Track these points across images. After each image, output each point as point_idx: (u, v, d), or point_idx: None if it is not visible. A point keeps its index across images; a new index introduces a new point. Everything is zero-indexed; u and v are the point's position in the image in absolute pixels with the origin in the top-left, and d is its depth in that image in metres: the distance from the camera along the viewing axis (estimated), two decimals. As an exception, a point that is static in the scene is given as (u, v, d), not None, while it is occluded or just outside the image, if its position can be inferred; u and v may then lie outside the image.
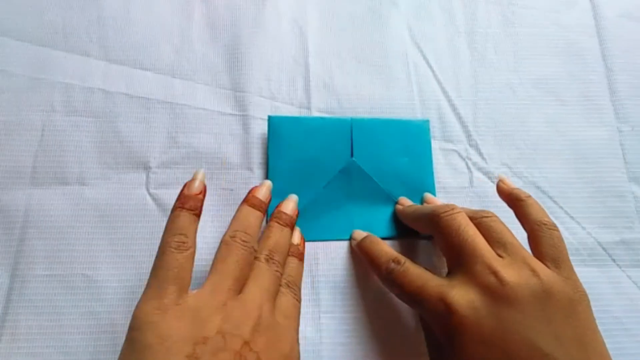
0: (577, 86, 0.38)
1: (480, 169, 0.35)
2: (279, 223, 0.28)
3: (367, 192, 0.33)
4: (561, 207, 0.34)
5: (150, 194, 0.33)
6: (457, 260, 0.25)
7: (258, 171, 0.34)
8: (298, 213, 0.30)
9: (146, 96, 0.35)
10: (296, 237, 0.30)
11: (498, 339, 0.22)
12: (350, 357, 0.29)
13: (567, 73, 0.38)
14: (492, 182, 0.35)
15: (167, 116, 0.35)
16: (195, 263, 0.24)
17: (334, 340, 0.30)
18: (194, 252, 0.24)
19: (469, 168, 0.35)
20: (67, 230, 0.31)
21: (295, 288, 0.27)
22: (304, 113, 0.35)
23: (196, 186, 0.26)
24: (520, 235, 0.27)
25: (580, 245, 0.33)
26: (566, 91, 0.38)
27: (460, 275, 0.25)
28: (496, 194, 0.31)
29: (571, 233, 0.33)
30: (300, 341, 0.29)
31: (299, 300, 0.27)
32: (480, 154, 0.35)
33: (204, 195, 0.27)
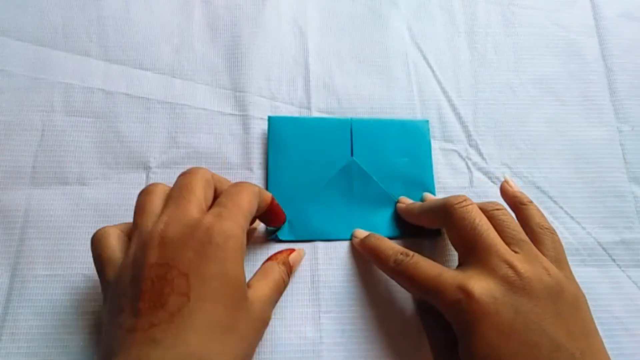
0: (577, 86, 0.38)
1: (480, 169, 0.35)
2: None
3: (367, 191, 0.33)
4: (561, 207, 0.34)
5: (150, 194, 0.33)
6: (471, 253, 0.26)
7: (258, 171, 0.34)
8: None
9: (146, 96, 0.35)
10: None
11: (516, 329, 0.23)
12: (350, 357, 0.29)
13: (567, 73, 0.38)
14: (492, 182, 0.35)
15: (167, 116, 0.35)
16: None
17: (334, 340, 0.30)
18: None
19: (469, 168, 0.35)
20: (67, 230, 0.31)
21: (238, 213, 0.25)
22: (304, 113, 0.35)
23: None
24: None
25: (580, 245, 0.33)
26: (566, 91, 0.38)
27: (475, 267, 0.25)
28: (496, 194, 0.31)
29: (571, 233, 0.33)
30: (300, 341, 0.29)
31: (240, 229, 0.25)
32: (480, 154, 0.35)
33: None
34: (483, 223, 0.26)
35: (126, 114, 0.34)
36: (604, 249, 0.33)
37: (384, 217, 0.33)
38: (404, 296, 0.31)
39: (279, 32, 0.38)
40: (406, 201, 0.33)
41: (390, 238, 0.31)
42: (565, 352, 0.22)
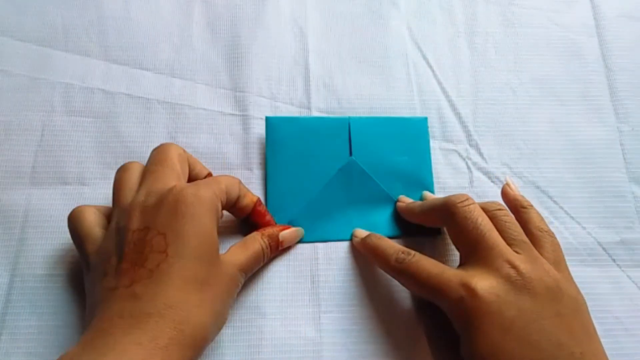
0: (577, 86, 0.38)
1: (480, 169, 0.35)
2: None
3: (366, 191, 0.33)
4: (561, 207, 0.34)
5: (150, 194, 0.33)
6: (473, 252, 0.26)
7: (258, 171, 0.34)
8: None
9: (146, 96, 0.35)
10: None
11: (518, 327, 0.23)
12: (350, 357, 0.29)
13: (567, 73, 0.38)
14: (492, 182, 0.35)
15: (167, 116, 0.35)
16: None
17: (334, 340, 0.29)
18: None
19: (469, 168, 0.35)
20: (67, 230, 0.31)
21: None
22: (304, 113, 0.35)
23: None
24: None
25: (580, 245, 0.33)
26: (566, 91, 0.38)
27: (477, 267, 0.25)
28: (496, 194, 0.31)
29: (571, 233, 0.33)
30: (300, 341, 0.29)
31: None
32: (480, 154, 0.35)
33: None
34: (485, 223, 0.26)
35: (126, 114, 0.34)
36: (604, 249, 0.33)
37: (383, 217, 0.33)
38: (404, 296, 0.31)
39: (279, 32, 0.38)
40: (406, 200, 0.33)
41: (391, 237, 0.31)
42: (565, 351, 0.22)
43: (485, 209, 0.27)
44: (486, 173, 0.35)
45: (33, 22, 0.36)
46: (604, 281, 0.32)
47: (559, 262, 0.26)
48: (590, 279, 0.32)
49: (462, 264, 0.27)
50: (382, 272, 0.31)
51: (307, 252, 0.32)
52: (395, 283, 0.30)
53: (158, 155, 0.28)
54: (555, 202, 0.34)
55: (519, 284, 0.24)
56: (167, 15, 0.37)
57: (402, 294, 0.31)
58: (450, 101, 0.37)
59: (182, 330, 0.22)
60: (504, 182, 0.31)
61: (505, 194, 0.30)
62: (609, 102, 0.37)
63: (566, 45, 0.39)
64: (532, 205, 0.29)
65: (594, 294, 0.30)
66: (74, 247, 0.31)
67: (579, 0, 0.40)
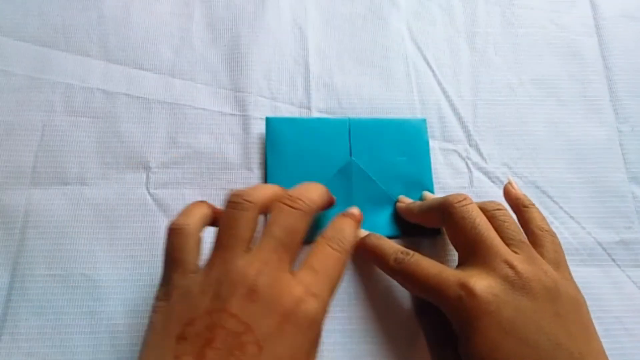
0: (577, 86, 0.38)
1: (480, 169, 0.35)
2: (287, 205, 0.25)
3: (366, 191, 0.33)
4: (561, 207, 0.34)
5: (150, 194, 0.33)
6: (472, 252, 0.26)
7: (258, 171, 0.34)
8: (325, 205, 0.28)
9: (146, 96, 0.35)
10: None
11: (516, 327, 0.23)
12: (350, 357, 0.29)
13: (567, 73, 0.38)
14: (492, 182, 0.35)
15: (167, 116, 0.35)
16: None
17: (334, 340, 0.30)
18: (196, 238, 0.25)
19: (469, 168, 0.35)
20: (67, 230, 0.31)
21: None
22: (304, 113, 0.35)
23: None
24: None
25: (580, 245, 0.33)
26: (566, 91, 0.38)
27: (475, 267, 0.25)
28: (496, 194, 0.31)
29: (571, 233, 0.33)
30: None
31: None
32: (480, 154, 0.35)
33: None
34: (483, 223, 0.26)
35: (126, 114, 0.34)
36: (604, 249, 0.33)
37: (383, 217, 0.33)
38: (403, 296, 0.31)
39: (279, 32, 0.38)
40: (406, 200, 0.33)
41: (390, 237, 0.31)
42: (564, 351, 0.22)
43: (484, 208, 0.28)
44: (486, 173, 0.35)
45: (33, 22, 0.36)
46: (604, 281, 0.32)
47: (559, 262, 0.26)
48: (590, 279, 0.32)
49: (461, 264, 0.27)
50: (381, 272, 0.30)
51: (307, 252, 0.31)
52: (394, 283, 0.30)
53: (283, 223, 0.24)
54: (555, 202, 0.34)
55: (516, 284, 0.24)
56: (167, 15, 0.38)
57: (402, 293, 0.31)
58: (450, 101, 0.37)
59: None
60: (504, 182, 0.31)
61: (507, 193, 0.30)
62: (608, 102, 0.37)
63: (566, 46, 0.39)
64: (534, 205, 0.29)
65: (594, 294, 0.31)
66: (74, 247, 0.31)
67: (578, 0, 0.40)
